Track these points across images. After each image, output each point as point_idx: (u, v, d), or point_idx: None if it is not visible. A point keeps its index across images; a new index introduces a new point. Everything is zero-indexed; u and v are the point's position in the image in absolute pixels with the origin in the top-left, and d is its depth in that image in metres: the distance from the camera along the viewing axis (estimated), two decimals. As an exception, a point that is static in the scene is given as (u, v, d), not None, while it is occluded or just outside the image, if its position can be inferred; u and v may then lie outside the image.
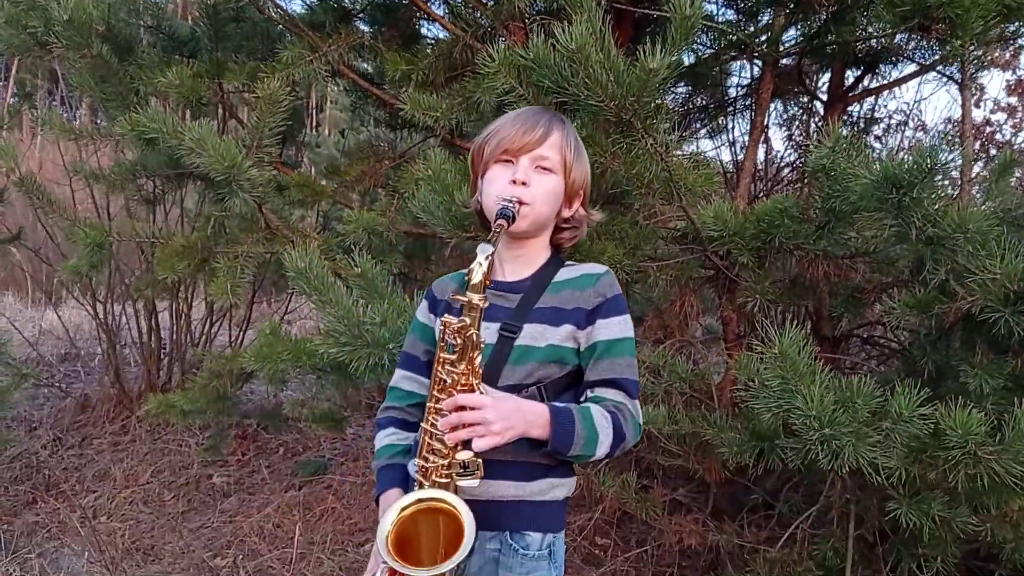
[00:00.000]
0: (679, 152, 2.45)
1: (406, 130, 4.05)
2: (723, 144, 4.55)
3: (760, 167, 4.56)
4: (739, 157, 4.23)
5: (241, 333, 5.61)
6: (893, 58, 3.35)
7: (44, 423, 5.21)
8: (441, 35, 3.56)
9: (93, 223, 3.34)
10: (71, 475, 4.51)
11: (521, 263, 1.64)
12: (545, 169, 1.57)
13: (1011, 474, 1.87)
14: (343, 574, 3.44)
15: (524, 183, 1.54)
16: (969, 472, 1.91)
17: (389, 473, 1.67)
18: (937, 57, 3.08)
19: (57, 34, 2.95)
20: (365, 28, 3.62)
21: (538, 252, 1.65)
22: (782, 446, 2.24)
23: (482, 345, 1.42)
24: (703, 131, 4.57)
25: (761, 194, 4.27)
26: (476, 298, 1.39)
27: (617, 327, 1.57)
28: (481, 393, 1.41)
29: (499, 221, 1.47)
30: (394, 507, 1.41)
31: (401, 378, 1.74)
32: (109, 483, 4.43)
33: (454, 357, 1.42)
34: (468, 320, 1.40)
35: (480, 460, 1.41)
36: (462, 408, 1.39)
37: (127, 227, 3.28)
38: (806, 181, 3.88)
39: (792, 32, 3.28)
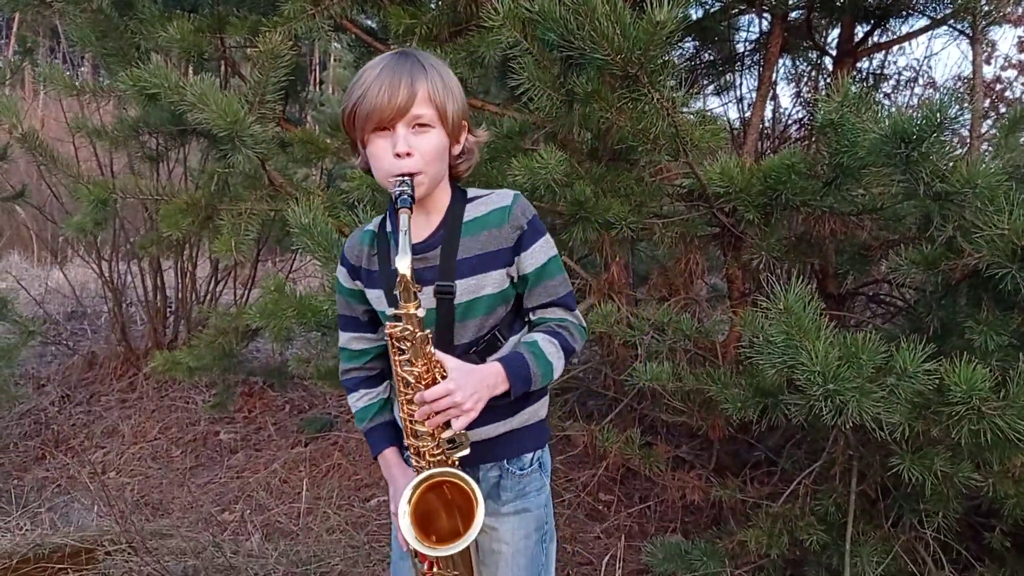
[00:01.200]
0: (686, 109, 2.42)
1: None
2: (730, 101, 4.52)
3: (768, 124, 4.53)
4: (747, 114, 4.19)
5: (246, 291, 5.62)
6: (904, 12, 3.29)
7: (52, 380, 5.25)
8: (445, -12, 3.50)
9: (97, 180, 3.33)
10: (80, 431, 4.56)
11: (427, 215, 1.60)
12: (423, 126, 1.49)
13: (1014, 430, 1.87)
14: (349, 528, 3.48)
15: (408, 153, 1.47)
16: (972, 428, 1.91)
17: (378, 433, 1.75)
18: (949, 11, 3.04)
19: (57, -12, 2.93)
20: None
21: (440, 195, 1.60)
22: (786, 402, 2.25)
23: (430, 337, 1.44)
24: (710, 87, 4.53)
25: (768, 151, 4.24)
26: (411, 307, 1.40)
27: (541, 252, 1.59)
28: (443, 377, 1.45)
29: (402, 211, 1.40)
30: (407, 490, 1.48)
31: (349, 339, 1.77)
32: (117, 439, 4.48)
33: (408, 358, 1.45)
34: (411, 327, 1.41)
35: (465, 431, 1.47)
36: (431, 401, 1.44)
37: (131, 184, 3.27)
38: (814, 138, 3.85)
39: (802, -17, 3.23)
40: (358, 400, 1.78)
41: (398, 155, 1.46)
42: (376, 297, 1.63)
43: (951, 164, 1.99)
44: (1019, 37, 5.65)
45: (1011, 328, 2.15)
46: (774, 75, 3.69)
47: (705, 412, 2.81)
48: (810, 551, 2.66)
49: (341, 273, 1.70)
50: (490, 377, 1.50)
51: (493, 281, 1.56)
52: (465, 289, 1.54)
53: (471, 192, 1.64)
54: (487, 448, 1.62)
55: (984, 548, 2.64)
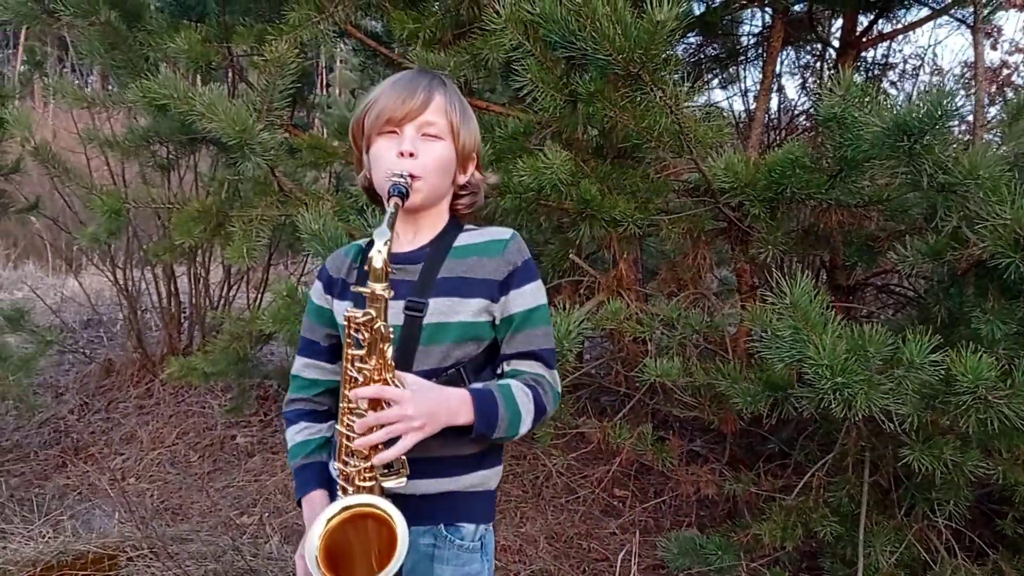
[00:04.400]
0: (690, 104, 2.43)
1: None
2: (735, 94, 4.53)
3: (774, 115, 4.53)
4: (752, 106, 4.20)
5: (259, 295, 5.66)
6: (906, 2, 3.29)
7: (70, 388, 5.31)
8: (448, -9, 3.53)
9: (110, 191, 3.37)
10: (99, 438, 4.61)
11: (415, 231, 1.52)
12: (432, 136, 1.45)
13: (1021, 418, 1.88)
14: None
15: (412, 154, 1.41)
16: (980, 417, 1.92)
17: (308, 472, 1.58)
18: (949, 0, 3.04)
19: (64, 2, 2.96)
20: (371, -15, 3.59)
21: (435, 219, 1.53)
22: (796, 395, 2.26)
23: (391, 335, 1.31)
24: (715, 81, 4.54)
25: (775, 143, 4.25)
26: (379, 288, 1.28)
27: (531, 295, 1.49)
28: (397, 386, 1.31)
29: (393, 199, 1.35)
30: (319, 520, 1.31)
31: (303, 366, 1.64)
32: (136, 445, 4.52)
33: (363, 352, 1.31)
34: (373, 312, 1.29)
35: (404, 458, 1.33)
36: (377, 404, 1.30)
37: (143, 193, 3.30)
38: (820, 129, 3.86)
39: (803, -22, 3.24)
40: (297, 433, 1.63)
41: (401, 154, 1.42)
42: (344, 310, 1.44)
43: (954, 155, 2.00)
44: (1025, 21, 5.62)
45: (1017, 317, 2.16)
46: (778, 68, 3.70)
47: (717, 407, 2.82)
48: (824, 542, 2.68)
49: (315, 288, 1.61)
50: (453, 400, 1.36)
51: (469, 309, 1.44)
52: (437, 309, 1.43)
53: (468, 226, 1.57)
54: (422, 507, 1.41)
55: (997, 535, 2.66)
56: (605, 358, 4.18)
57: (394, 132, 1.45)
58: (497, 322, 1.48)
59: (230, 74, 3.93)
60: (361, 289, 1.30)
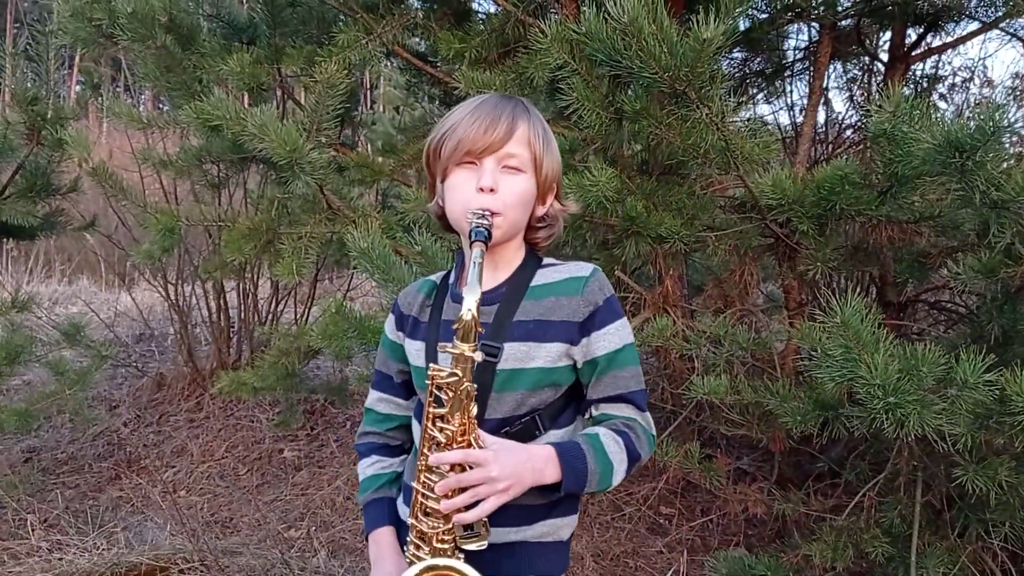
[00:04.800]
0: (736, 119, 2.42)
1: (460, 106, 4.06)
2: (781, 108, 4.50)
3: (821, 129, 4.49)
4: (798, 121, 4.17)
5: (306, 310, 5.74)
6: (955, 15, 3.25)
7: (124, 402, 5.42)
8: (492, 11, 3.57)
9: (164, 209, 3.45)
10: (151, 451, 4.70)
11: (493, 268, 1.44)
12: (513, 168, 1.37)
13: (1080, 439, 1.84)
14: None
15: (492, 190, 1.34)
16: (1035, 437, 1.89)
17: (377, 508, 1.53)
18: (1000, 14, 2.99)
19: (122, 26, 3.05)
20: (417, 7, 3.64)
21: (512, 255, 1.46)
22: (846, 415, 2.23)
23: (475, 393, 1.25)
24: (760, 96, 4.51)
25: (823, 157, 4.20)
26: (467, 348, 1.23)
27: (616, 336, 1.41)
28: (481, 447, 1.26)
29: (477, 245, 1.28)
30: (405, 574, 1.28)
31: (376, 400, 1.61)
32: (187, 458, 4.60)
33: (445, 411, 1.26)
34: (460, 373, 1.23)
35: (486, 519, 1.27)
36: (459, 468, 1.26)
37: (195, 211, 3.37)
38: (869, 144, 3.81)
39: (850, -8, 3.21)
40: (369, 466, 1.58)
41: (481, 189, 1.34)
42: (416, 350, 1.47)
43: (1006, 172, 1.96)
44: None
45: (1074, 336, 2.12)
46: (825, 82, 3.66)
47: (765, 425, 2.79)
48: (876, 564, 2.63)
49: (388, 322, 1.58)
50: (538, 459, 1.30)
51: (547, 355, 1.37)
52: (512, 355, 1.36)
53: (547, 260, 1.49)
54: (486, 557, 1.30)
55: (1055, 558, 2.59)
56: (651, 375, 4.16)
57: (473, 164, 1.37)
58: (579, 365, 1.41)
59: (279, 94, 4.00)
60: (449, 349, 1.24)
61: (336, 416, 5.15)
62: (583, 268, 1.44)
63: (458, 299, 1.32)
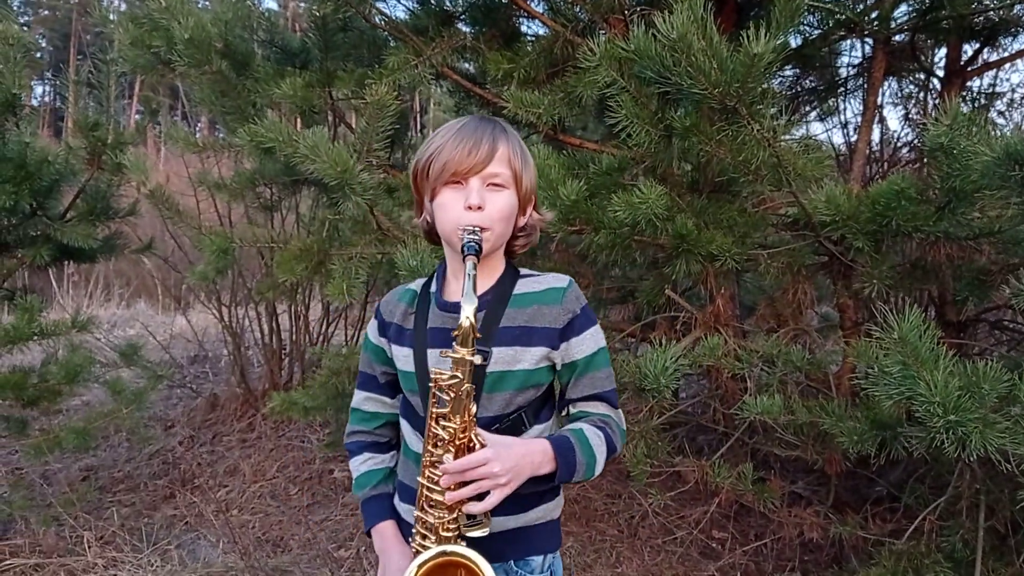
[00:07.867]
0: (787, 137, 2.39)
1: (509, 127, 4.08)
2: (834, 126, 4.45)
3: (876, 148, 4.42)
4: (852, 139, 4.11)
5: (356, 331, 5.78)
6: (1012, 29, 3.18)
7: (179, 421, 5.51)
8: (541, 32, 3.59)
9: (218, 231, 3.51)
10: (204, 470, 4.76)
11: (479, 277, 1.49)
12: (496, 186, 1.48)
13: None
14: (461, 565, 3.50)
15: (480, 207, 1.44)
16: (1107, 459, 1.81)
17: (378, 503, 1.66)
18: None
19: (179, 52, 3.12)
20: (466, 29, 3.67)
21: (494, 265, 1.57)
22: (905, 434, 2.17)
23: (473, 392, 1.36)
24: (813, 114, 4.46)
25: (877, 176, 4.13)
26: (467, 353, 1.34)
27: (592, 340, 1.54)
28: (481, 444, 1.37)
29: (470, 258, 1.38)
30: (416, 559, 1.38)
31: (363, 399, 1.72)
32: (239, 478, 4.65)
33: (446, 411, 1.37)
34: (460, 375, 1.34)
35: (489, 512, 1.39)
36: (462, 455, 1.37)
37: (248, 233, 3.42)
38: (925, 160, 3.74)
39: (903, 7, 3.16)
40: (362, 463, 1.71)
41: (469, 207, 1.44)
42: (404, 356, 1.57)
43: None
44: None
45: None
46: (879, 98, 3.61)
47: (820, 446, 2.73)
48: (938, 590, 2.55)
49: (371, 327, 1.68)
50: (536, 454, 1.42)
51: (531, 358, 1.50)
52: (500, 359, 1.49)
53: (524, 271, 1.61)
54: (491, 544, 1.43)
55: None
56: (702, 396, 4.10)
57: (459, 183, 1.48)
58: (559, 367, 1.54)
59: (331, 117, 4.06)
60: (450, 354, 1.35)
61: (386, 437, 5.16)
62: (561, 279, 1.57)
63: (445, 307, 1.53)
